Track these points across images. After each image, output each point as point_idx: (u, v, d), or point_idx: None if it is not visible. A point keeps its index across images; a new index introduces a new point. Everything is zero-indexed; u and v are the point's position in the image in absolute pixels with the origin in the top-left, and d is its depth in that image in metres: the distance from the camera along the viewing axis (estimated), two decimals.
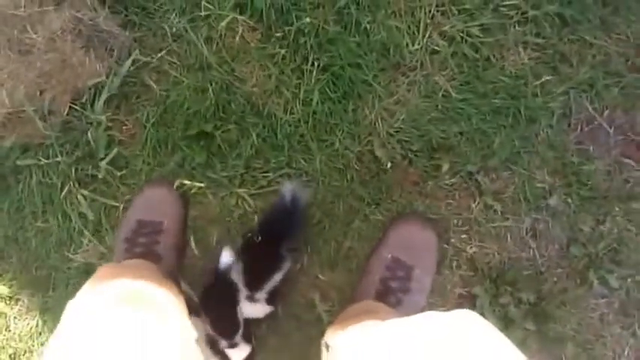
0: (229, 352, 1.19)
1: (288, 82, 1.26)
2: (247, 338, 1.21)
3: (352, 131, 1.26)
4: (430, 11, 1.24)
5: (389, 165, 1.25)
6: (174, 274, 1.23)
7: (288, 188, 1.20)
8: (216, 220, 1.28)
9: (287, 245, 1.18)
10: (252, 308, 1.18)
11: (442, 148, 1.24)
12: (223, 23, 1.26)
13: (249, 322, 1.21)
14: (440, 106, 1.25)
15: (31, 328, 1.34)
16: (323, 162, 1.26)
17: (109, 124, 1.28)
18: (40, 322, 1.34)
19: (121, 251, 1.24)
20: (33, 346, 1.33)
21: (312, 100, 1.25)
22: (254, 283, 1.17)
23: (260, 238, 1.18)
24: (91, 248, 1.30)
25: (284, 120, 1.26)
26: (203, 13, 1.26)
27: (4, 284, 1.34)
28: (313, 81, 1.25)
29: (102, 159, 1.27)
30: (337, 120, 1.25)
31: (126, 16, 1.28)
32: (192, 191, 1.28)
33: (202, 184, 1.27)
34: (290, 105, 1.26)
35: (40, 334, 1.34)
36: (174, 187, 1.28)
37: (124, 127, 1.29)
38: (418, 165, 1.25)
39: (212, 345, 1.19)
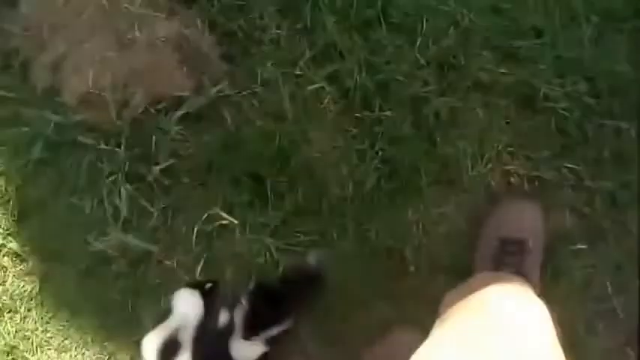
0: None
1: (350, 161, 1.32)
2: None
3: (390, 226, 1.31)
4: (498, 147, 1.32)
5: (412, 268, 1.30)
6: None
7: (316, 257, 1.25)
8: (234, 259, 1.32)
9: (296, 308, 1.22)
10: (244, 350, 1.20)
11: (469, 273, 1.29)
12: (311, 87, 1.34)
13: None
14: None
15: (25, 291, 1.36)
16: (353, 244, 1.31)
17: (176, 137, 1.34)
18: (37, 289, 1.36)
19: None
20: (20, 308, 1.35)
21: (365, 183, 1.31)
22: (252, 329, 1.20)
23: (275, 289, 1.23)
24: (113, 241, 1.33)
25: (332, 193, 1.31)
26: (297, 72, 1.34)
27: (17, 241, 1.37)
28: (372, 168, 1.31)
29: (156, 164, 1.33)
30: (381, 211, 1.31)
31: (228, 49, 1.36)
32: (224, 223, 1.32)
33: (236, 222, 1.32)
34: (343, 181, 1.32)
35: (32, 299, 1.36)
36: None
37: (187, 144, 1.35)
38: (441, 281, 1.29)
39: None
